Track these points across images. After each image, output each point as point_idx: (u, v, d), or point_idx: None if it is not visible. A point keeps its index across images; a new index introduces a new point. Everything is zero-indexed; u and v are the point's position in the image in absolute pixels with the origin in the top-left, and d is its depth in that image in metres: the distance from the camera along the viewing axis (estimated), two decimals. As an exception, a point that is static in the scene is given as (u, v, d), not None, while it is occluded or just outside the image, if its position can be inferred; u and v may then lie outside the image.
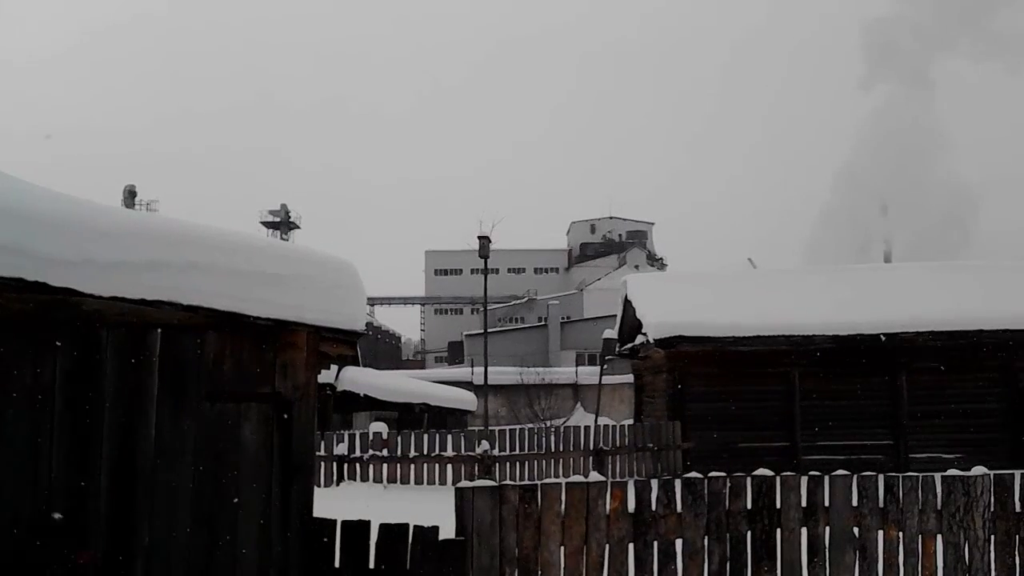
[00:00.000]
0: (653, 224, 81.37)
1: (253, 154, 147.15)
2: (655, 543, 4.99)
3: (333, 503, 6.07)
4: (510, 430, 14.00)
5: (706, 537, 5.08)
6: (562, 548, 4.79)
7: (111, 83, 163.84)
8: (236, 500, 3.95)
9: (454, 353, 64.76)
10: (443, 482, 12.89)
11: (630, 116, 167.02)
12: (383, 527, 4.36)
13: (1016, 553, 5.32)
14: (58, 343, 3.47)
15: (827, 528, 5.25)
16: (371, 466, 12.96)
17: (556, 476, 13.22)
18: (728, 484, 5.17)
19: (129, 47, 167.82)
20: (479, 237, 25.93)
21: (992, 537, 5.31)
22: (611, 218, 79.35)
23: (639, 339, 16.41)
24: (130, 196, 53.51)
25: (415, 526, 4.38)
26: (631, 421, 19.23)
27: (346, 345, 4.81)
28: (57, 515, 3.40)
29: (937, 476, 5.45)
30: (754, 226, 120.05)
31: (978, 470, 5.46)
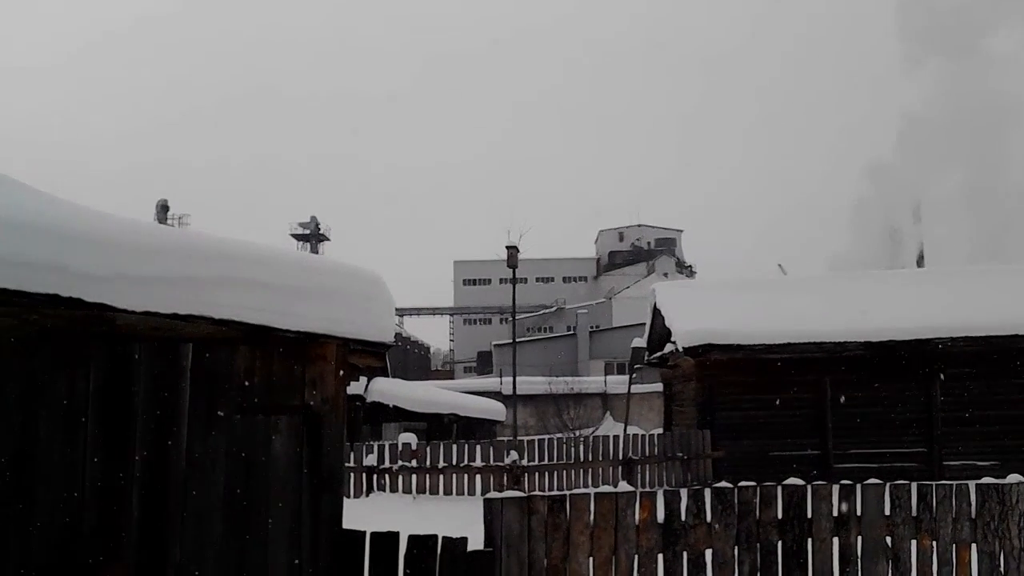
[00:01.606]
0: (682, 231, 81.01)
1: (274, 168, 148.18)
2: (684, 553, 4.97)
3: (363, 514, 6.11)
4: (539, 440, 14.00)
5: (736, 547, 5.05)
6: (591, 559, 4.78)
7: (123, 93, 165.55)
8: (266, 512, 3.99)
9: (483, 363, 64.84)
10: (472, 492, 12.92)
11: (655, 124, 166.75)
12: (412, 538, 4.38)
13: (1054, 563, 5.24)
14: (92, 358, 3.52)
15: (859, 538, 5.20)
16: (400, 477, 13.01)
17: (585, 486, 13.20)
18: (758, 493, 5.14)
19: (140, 55, 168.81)
20: (507, 247, 26.03)
21: (1029, 547, 5.23)
22: (639, 226, 79.08)
23: (668, 347, 16.37)
24: (163, 210, 54.26)
25: (444, 537, 4.39)
26: (660, 430, 19.17)
27: (375, 357, 4.84)
28: (89, 527, 3.45)
29: (971, 484, 5.38)
30: (784, 231, 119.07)
31: (1013, 478, 5.39)
